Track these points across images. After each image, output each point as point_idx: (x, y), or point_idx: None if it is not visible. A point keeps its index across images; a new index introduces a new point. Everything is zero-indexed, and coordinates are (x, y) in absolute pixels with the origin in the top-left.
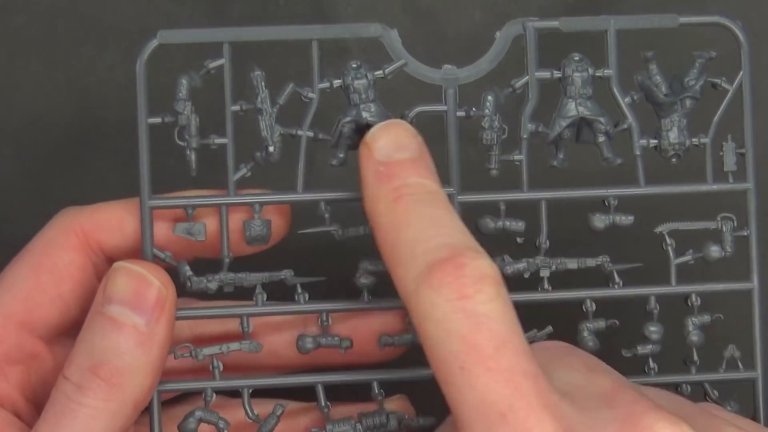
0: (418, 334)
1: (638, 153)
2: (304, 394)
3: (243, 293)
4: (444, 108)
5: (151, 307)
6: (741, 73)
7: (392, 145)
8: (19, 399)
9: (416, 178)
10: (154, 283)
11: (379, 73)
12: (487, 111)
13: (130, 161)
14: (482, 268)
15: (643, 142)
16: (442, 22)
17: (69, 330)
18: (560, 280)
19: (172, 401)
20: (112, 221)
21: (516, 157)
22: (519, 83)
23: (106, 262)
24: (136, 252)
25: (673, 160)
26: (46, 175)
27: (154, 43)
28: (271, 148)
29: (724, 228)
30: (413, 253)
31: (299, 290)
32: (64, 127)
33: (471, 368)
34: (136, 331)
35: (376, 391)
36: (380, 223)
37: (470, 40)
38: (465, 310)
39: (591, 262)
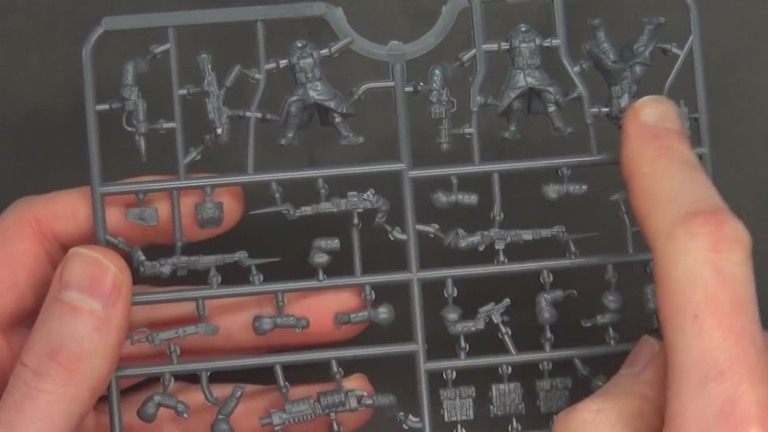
0: (658, 277)
1: (590, 121)
2: (263, 377)
3: (197, 278)
4: (391, 84)
5: (107, 291)
6: (691, 37)
7: (661, 114)
8: None
9: (680, 145)
10: (110, 267)
11: (324, 51)
12: (434, 85)
13: None
14: (740, 230)
15: (595, 110)
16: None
17: (24, 319)
18: (516, 252)
19: (131, 389)
20: (65, 209)
21: (466, 131)
22: (466, 56)
23: (60, 250)
24: (90, 239)
25: None
26: (46, 174)
27: (99, 31)
28: (219, 130)
29: None
30: (674, 199)
31: (254, 271)
32: (64, 126)
33: (705, 320)
34: (93, 316)
35: (335, 370)
36: (640, 172)
37: (471, 40)
38: (715, 263)
39: (546, 233)
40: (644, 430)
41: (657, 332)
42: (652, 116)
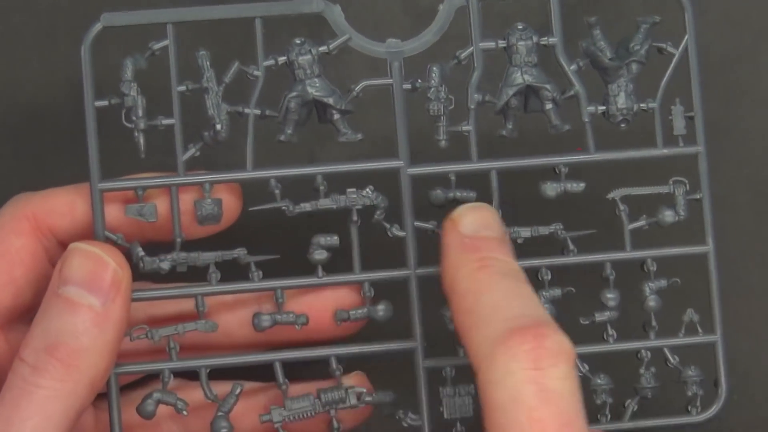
0: (483, 398)
1: (587, 119)
2: (262, 375)
3: (196, 275)
4: (390, 81)
5: (107, 287)
6: (686, 36)
7: (479, 223)
8: None
9: (501, 254)
10: (110, 263)
11: (323, 48)
12: (432, 82)
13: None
14: (562, 343)
15: (591, 108)
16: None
17: (22, 315)
18: (514, 249)
19: (131, 386)
20: (63, 205)
21: (464, 128)
22: (464, 54)
23: (58, 246)
24: (88, 235)
25: (622, 125)
26: (46, 174)
27: (98, 27)
28: (218, 126)
29: (676, 192)
30: (493, 317)
31: (253, 268)
32: (64, 126)
33: None
34: (92, 312)
35: (334, 367)
36: (460, 288)
37: (468, 38)
38: (538, 382)
39: (544, 230)
40: None
41: None
42: (471, 226)
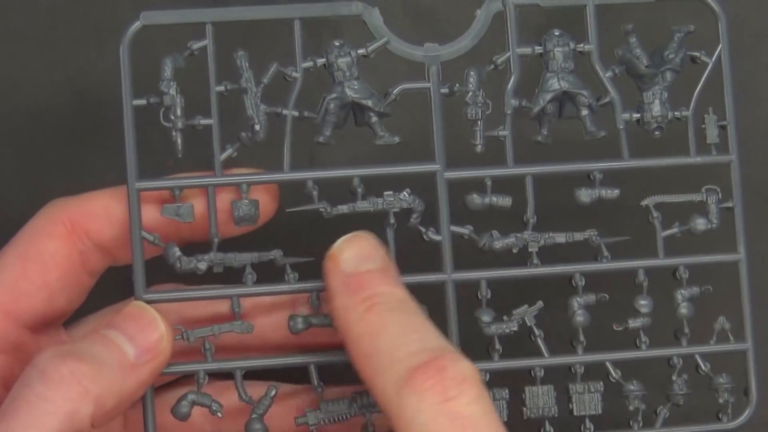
0: None
1: (621, 126)
2: (296, 378)
3: (231, 279)
4: (427, 85)
5: (147, 347)
6: (720, 46)
7: (358, 257)
8: (0, 389)
9: (386, 287)
10: (161, 329)
11: (362, 51)
12: (470, 86)
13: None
14: (464, 370)
15: (626, 115)
16: (442, 22)
17: (55, 320)
18: (549, 255)
19: (165, 387)
20: (99, 209)
21: (501, 133)
22: (501, 59)
23: (94, 250)
24: (125, 239)
25: (656, 132)
26: (46, 174)
27: (137, 25)
28: (257, 127)
29: (709, 200)
30: (392, 359)
31: (289, 270)
32: (65, 126)
33: None
34: (123, 356)
35: None
36: (353, 333)
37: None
38: (450, 412)
39: (579, 236)
40: None
41: None
42: (351, 261)
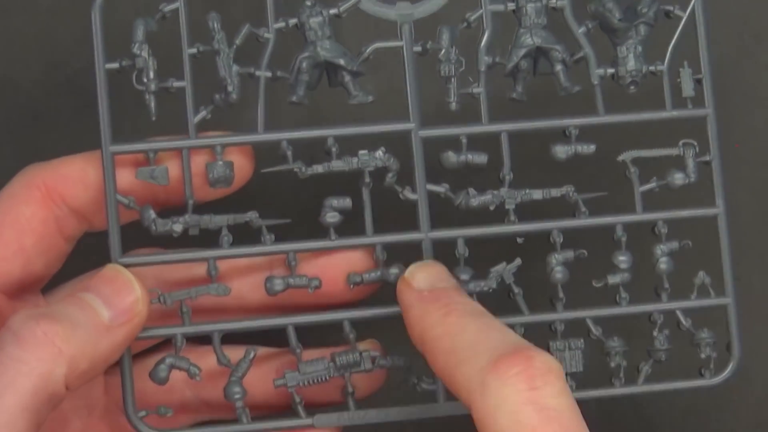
0: (482, 430)
1: (596, 82)
2: (275, 341)
3: (207, 242)
4: (400, 44)
5: (122, 309)
6: (692, 2)
7: (432, 277)
8: None
9: (463, 299)
10: (136, 291)
11: (334, 11)
12: (443, 44)
13: None
14: (550, 361)
15: (600, 71)
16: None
17: (32, 285)
18: (526, 212)
19: (144, 353)
20: (74, 173)
21: (475, 90)
22: (473, 17)
23: (70, 214)
24: (100, 203)
25: (632, 87)
26: None
27: None
28: (230, 88)
29: (686, 154)
30: (475, 351)
31: (265, 232)
32: (65, 126)
33: None
34: (97, 318)
35: (348, 331)
36: (432, 334)
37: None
38: (535, 402)
39: (556, 192)
40: None
41: None
42: (425, 281)
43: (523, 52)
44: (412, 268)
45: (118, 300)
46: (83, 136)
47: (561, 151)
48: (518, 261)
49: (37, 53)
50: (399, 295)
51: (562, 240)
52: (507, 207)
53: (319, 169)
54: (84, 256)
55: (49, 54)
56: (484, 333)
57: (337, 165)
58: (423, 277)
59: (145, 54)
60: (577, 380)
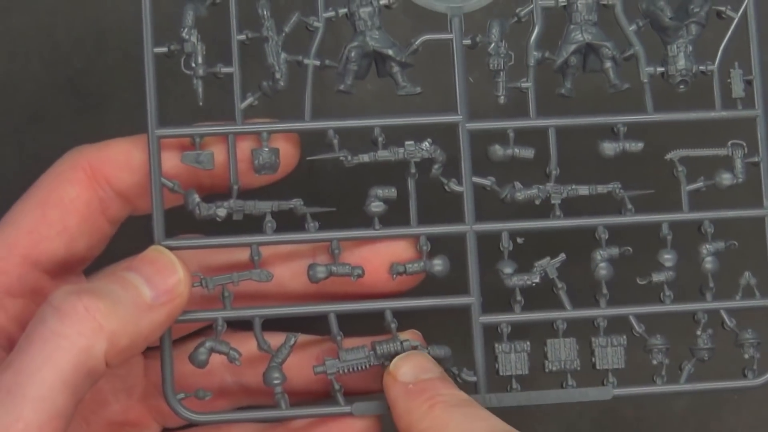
0: None
1: (646, 80)
2: (315, 328)
3: (251, 228)
4: (450, 36)
5: (164, 289)
6: (746, 1)
7: (417, 369)
8: (17, 332)
9: (448, 390)
10: (179, 273)
11: (384, 1)
12: (492, 37)
13: None
14: None
15: (650, 69)
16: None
17: (75, 266)
18: (572, 208)
19: (185, 338)
20: (119, 155)
21: (523, 85)
22: (524, 11)
23: (114, 197)
24: (145, 186)
25: (681, 86)
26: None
27: None
28: (277, 75)
29: (734, 155)
30: None
31: (309, 219)
32: (65, 126)
33: None
34: (138, 295)
35: (389, 320)
36: (419, 428)
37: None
38: None
39: (602, 189)
40: None
41: None
42: (409, 373)
43: (572, 48)
44: (396, 360)
45: (160, 280)
46: (83, 136)
47: (609, 148)
48: (562, 256)
49: (38, 53)
50: (385, 389)
51: (607, 236)
52: (553, 202)
53: (365, 158)
54: (128, 239)
55: (49, 53)
56: (469, 423)
57: (383, 155)
58: (407, 369)
59: (194, 39)
60: (618, 377)
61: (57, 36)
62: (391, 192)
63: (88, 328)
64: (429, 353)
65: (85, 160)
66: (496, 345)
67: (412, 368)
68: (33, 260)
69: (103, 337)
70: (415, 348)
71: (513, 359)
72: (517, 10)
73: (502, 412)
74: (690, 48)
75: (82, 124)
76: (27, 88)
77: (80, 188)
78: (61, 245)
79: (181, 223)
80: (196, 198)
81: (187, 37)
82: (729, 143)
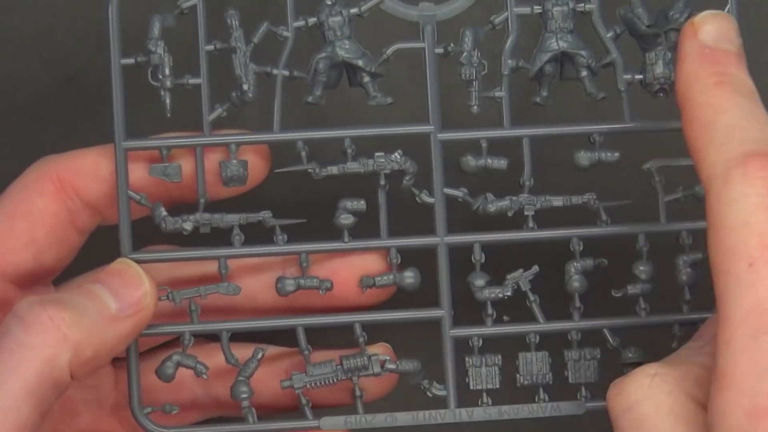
0: (711, 217)
1: (623, 88)
2: (284, 341)
3: (220, 240)
4: (422, 45)
5: (130, 302)
6: (728, 6)
7: (720, 34)
8: None
9: (739, 72)
10: (145, 286)
11: (354, 10)
12: (465, 46)
13: None
14: None
15: (628, 76)
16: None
17: (43, 277)
18: (546, 219)
19: (154, 350)
20: (88, 166)
21: (497, 94)
22: (498, 19)
23: (82, 207)
24: (112, 197)
25: (660, 94)
26: None
27: None
28: (245, 86)
29: None
30: (730, 137)
31: (278, 232)
32: (65, 126)
33: (760, 268)
34: (104, 307)
35: (358, 333)
36: (695, 101)
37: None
38: None
39: (577, 200)
40: (701, 397)
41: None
42: (711, 35)
43: (548, 56)
44: (705, 14)
45: (126, 293)
46: (83, 136)
47: (584, 157)
48: (535, 268)
49: (37, 53)
50: (680, 39)
51: (581, 248)
52: (526, 213)
53: (333, 170)
54: (97, 250)
55: (49, 53)
56: (745, 121)
57: (352, 167)
58: (711, 29)
59: (160, 50)
60: (592, 390)
61: (57, 36)
62: (360, 204)
63: (52, 338)
64: (398, 368)
65: (54, 170)
66: (467, 358)
67: (716, 30)
68: (1, 272)
69: (67, 348)
70: (383, 363)
71: (484, 373)
72: (492, 18)
73: (475, 426)
74: (669, 55)
75: (82, 124)
76: (27, 88)
77: (48, 199)
78: (29, 256)
79: (152, 232)
80: (163, 212)
81: (153, 48)
82: None
